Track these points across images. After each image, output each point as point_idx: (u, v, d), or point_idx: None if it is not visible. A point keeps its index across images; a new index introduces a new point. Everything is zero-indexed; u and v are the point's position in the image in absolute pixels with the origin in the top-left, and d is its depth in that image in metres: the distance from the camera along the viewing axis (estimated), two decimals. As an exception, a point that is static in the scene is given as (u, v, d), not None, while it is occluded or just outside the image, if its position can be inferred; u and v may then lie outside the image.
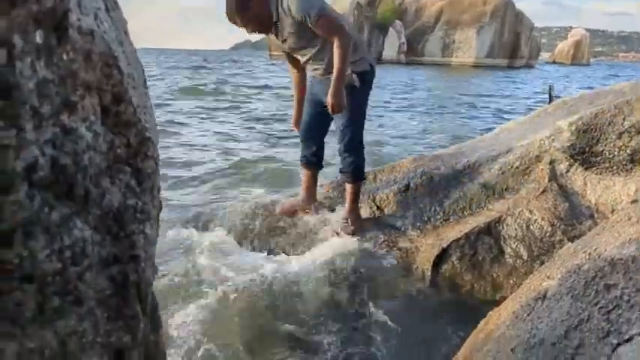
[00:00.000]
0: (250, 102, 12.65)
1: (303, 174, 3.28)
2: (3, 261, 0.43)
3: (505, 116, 11.25)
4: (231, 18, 2.66)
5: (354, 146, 2.89)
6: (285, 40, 2.78)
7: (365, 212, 3.18)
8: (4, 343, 0.42)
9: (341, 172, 3.00)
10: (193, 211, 3.63)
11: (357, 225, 3.01)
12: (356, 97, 2.77)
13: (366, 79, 2.83)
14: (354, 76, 2.76)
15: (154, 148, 0.66)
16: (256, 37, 3.06)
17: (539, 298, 1.23)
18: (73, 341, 0.50)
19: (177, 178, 4.95)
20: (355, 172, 2.94)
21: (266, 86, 17.55)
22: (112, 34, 0.61)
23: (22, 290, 0.44)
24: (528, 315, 1.21)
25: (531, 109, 12.51)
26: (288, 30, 2.71)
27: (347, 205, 3.03)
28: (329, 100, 2.67)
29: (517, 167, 2.98)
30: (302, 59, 2.90)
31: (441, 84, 23.45)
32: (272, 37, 2.85)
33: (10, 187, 0.41)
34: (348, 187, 3.01)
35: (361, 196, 3.19)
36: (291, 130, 3.37)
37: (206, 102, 12.29)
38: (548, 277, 1.29)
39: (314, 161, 3.18)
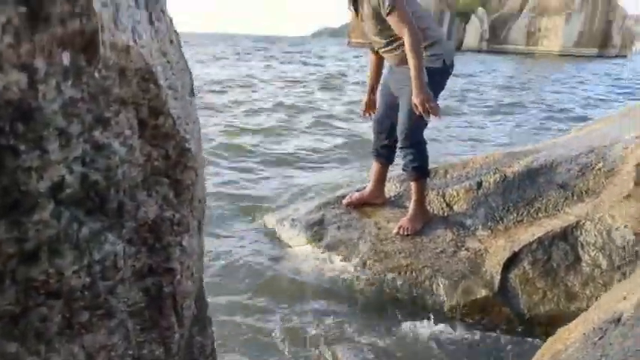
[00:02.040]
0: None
1: (373, 166, 3.24)
2: (29, 279, 0.43)
3: (587, 113, 10.46)
4: None
5: (412, 143, 2.80)
6: (363, 20, 2.78)
7: (434, 209, 3.09)
8: (28, 358, 0.43)
9: (403, 169, 2.93)
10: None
11: (423, 223, 2.93)
12: None
13: (436, 77, 2.73)
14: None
15: (195, 159, 0.66)
16: (335, 23, 3.06)
17: (613, 321, 1.12)
18: (102, 355, 0.51)
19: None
20: (417, 170, 2.85)
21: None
22: (153, 45, 0.61)
23: (48, 306, 0.45)
24: (600, 339, 1.11)
25: (617, 104, 11.56)
26: (366, 12, 2.71)
27: (412, 203, 2.95)
28: (413, 100, 2.61)
29: (599, 169, 2.76)
30: (376, 46, 2.88)
31: (522, 76, 22.29)
32: (353, 14, 2.86)
33: (34, 207, 0.42)
34: (412, 184, 2.93)
35: (430, 192, 3.10)
36: (363, 116, 3.33)
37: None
38: (625, 298, 1.18)
39: (384, 154, 3.13)
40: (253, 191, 4.31)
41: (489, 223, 2.88)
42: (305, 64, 25.50)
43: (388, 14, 2.58)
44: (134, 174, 0.56)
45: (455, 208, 3.08)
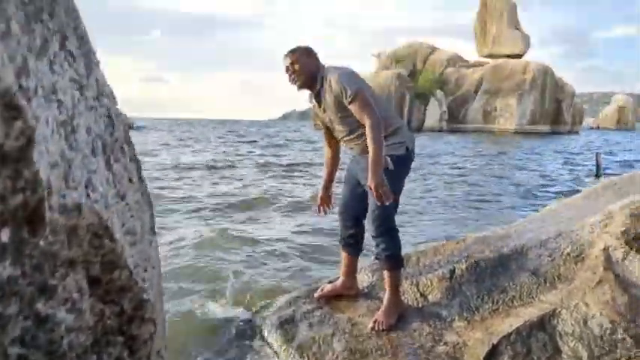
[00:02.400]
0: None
1: (342, 257, 3.19)
2: None
3: (550, 190, 10.83)
4: (287, 57, 2.76)
5: (384, 231, 2.77)
6: (325, 111, 2.82)
7: (408, 299, 3.02)
8: None
9: (376, 258, 2.89)
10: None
11: (398, 315, 2.85)
12: (388, 179, 2.71)
13: (400, 165, 2.78)
14: (388, 158, 2.72)
15: (153, 309, 0.60)
16: (303, 105, 3.18)
17: None
18: None
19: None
20: (390, 259, 2.81)
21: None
22: (110, 192, 0.57)
23: None
24: None
25: (577, 181, 12.05)
26: (328, 101, 2.75)
27: (386, 294, 2.88)
28: (368, 184, 2.61)
29: (568, 253, 2.79)
30: (339, 135, 2.90)
31: (482, 154, 23.20)
32: (315, 106, 2.90)
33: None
34: (386, 274, 2.88)
35: (404, 281, 3.04)
36: (318, 212, 3.22)
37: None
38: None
39: (352, 244, 3.09)
40: (221, 282, 4.15)
41: (465, 314, 2.82)
42: (275, 146, 26.05)
43: (350, 102, 2.64)
44: (82, 340, 0.50)
45: (429, 298, 3.03)
